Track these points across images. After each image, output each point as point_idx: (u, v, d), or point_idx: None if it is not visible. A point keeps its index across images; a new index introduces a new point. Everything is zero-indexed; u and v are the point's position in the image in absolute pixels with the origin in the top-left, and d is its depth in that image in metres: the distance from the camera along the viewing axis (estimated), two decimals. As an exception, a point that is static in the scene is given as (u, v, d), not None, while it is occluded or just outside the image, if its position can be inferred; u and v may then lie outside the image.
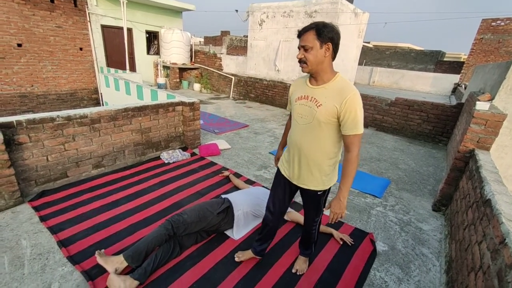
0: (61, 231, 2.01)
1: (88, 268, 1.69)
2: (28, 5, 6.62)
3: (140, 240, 1.74)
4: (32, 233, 1.98)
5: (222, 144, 4.02)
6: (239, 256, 1.84)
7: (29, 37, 6.84)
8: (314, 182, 1.47)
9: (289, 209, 2.34)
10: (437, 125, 5.11)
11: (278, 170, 1.65)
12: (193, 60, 10.60)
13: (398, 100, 5.48)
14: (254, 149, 4.13)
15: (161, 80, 9.60)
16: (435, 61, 16.98)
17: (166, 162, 3.39)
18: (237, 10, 8.94)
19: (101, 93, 8.05)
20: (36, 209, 2.24)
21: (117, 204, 2.43)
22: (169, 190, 2.74)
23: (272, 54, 8.28)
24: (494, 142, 2.42)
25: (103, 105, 8.05)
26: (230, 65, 9.64)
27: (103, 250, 1.78)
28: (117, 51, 8.88)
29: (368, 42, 22.77)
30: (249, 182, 3.05)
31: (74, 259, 1.76)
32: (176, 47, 9.76)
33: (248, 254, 1.85)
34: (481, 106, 2.54)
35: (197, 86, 9.99)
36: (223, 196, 2.25)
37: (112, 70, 7.52)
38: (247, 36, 9.23)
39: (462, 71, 12.64)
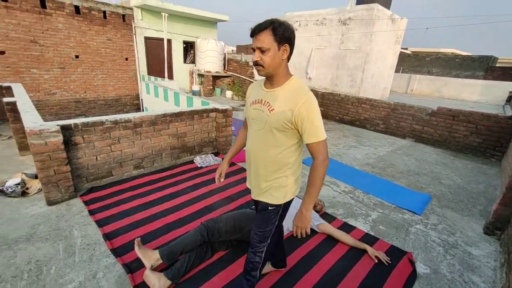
0: (106, 225, 2.19)
1: (128, 262, 1.82)
2: (86, 22, 7.46)
3: (176, 240, 1.82)
4: (82, 225, 2.19)
5: (252, 150, 4.07)
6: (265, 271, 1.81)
7: (84, 50, 7.68)
8: (266, 194, 1.31)
9: (321, 221, 2.28)
10: (489, 138, 4.63)
11: None
12: (226, 68, 10.99)
13: (440, 109, 5.09)
14: (284, 157, 4.12)
15: (196, 87, 10.14)
16: (485, 67, 15.45)
17: (199, 166, 3.54)
18: (270, 20, 9.22)
19: (141, 99, 8.69)
20: (86, 203, 2.48)
21: (154, 203, 2.58)
22: (201, 193, 2.85)
23: (303, 61, 8.26)
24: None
25: (143, 110, 8.67)
26: (262, 73, 9.80)
27: (139, 238, 1.86)
28: (157, 60, 9.56)
29: (406, 49, 21.57)
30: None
31: (116, 252, 1.90)
32: (210, 56, 10.22)
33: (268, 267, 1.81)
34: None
35: (229, 93, 10.31)
36: None
37: (152, 78, 8.10)
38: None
39: (518, 78, 11.34)
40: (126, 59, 8.66)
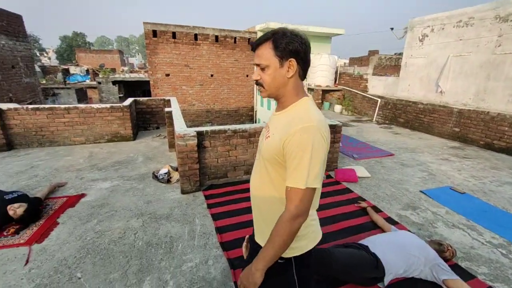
0: (219, 220, 2.55)
1: (232, 258, 2.03)
2: (221, 47, 9.24)
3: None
4: (201, 216, 2.64)
5: (360, 171, 3.73)
6: None
7: (218, 69, 9.49)
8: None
9: (452, 275, 1.75)
10: None
11: None
12: (337, 82, 10.67)
13: None
14: (400, 183, 3.53)
15: (304, 101, 10.34)
16: None
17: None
18: (392, 28, 8.38)
19: (255, 111, 9.73)
20: (206, 197, 2.98)
21: (257, 209, 2.79)
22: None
23: (434, 73, 6.88)
24: None
25: (256, 122, 9.66)
26: (377, 86, 8.89)
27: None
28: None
29: None
30: (390, 221, 2.62)
31: (224, 246, 2.17)
32: (321, 71, 10.22)
33: None
34: None
35: (338, 108, 9.93)
36: (370, 248, 1.90)
37: (266, 92, 8.96)
38: (398, 54, 8.24)
39: None
40: (247, 75, 9.99)
